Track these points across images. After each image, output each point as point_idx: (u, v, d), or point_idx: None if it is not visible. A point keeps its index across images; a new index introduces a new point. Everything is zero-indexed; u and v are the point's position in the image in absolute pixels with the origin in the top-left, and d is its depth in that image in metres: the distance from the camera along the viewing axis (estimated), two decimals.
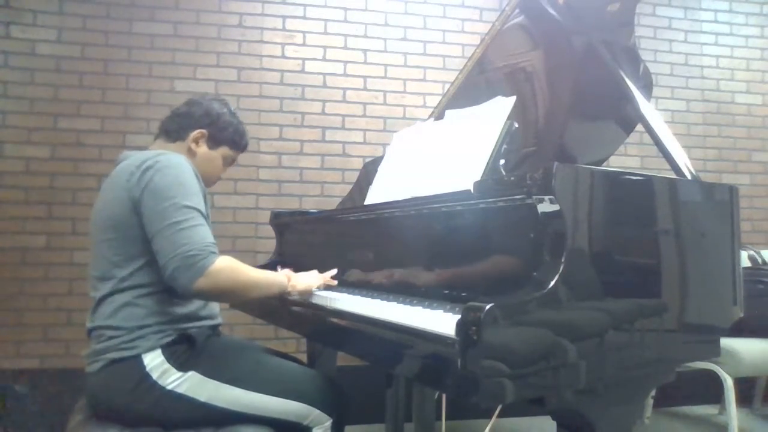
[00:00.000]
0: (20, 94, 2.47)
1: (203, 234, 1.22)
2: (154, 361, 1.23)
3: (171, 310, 1.29)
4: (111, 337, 1.24)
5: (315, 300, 1.43)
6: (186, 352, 1.27)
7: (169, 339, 1.26)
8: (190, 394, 1.23)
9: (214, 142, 1.47)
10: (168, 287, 1.23)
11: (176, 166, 1.28)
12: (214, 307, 1.44)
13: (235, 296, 1.36)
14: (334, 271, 1.57)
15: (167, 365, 1.23)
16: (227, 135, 1.48)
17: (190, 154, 1.44)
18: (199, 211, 1.24)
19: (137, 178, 1.26)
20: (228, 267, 1.22)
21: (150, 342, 1.24)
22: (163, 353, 1.24)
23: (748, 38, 3.23)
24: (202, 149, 1.46)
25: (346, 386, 1.43)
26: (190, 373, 1.24)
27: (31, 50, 2.49)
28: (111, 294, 1.27)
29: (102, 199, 1.34)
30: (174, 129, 1.45)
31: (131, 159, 1.32)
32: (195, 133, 1.44)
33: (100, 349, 1.26)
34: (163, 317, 1.27)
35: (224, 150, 1.50)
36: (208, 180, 1.48)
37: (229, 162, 1.54)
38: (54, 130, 2.49)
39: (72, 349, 2.43)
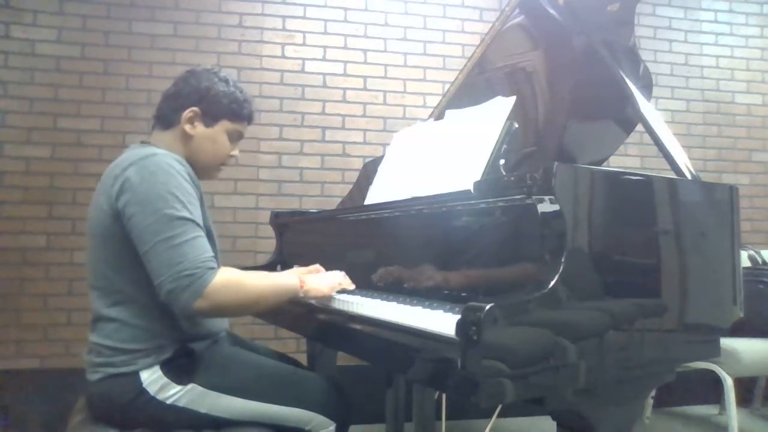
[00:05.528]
0: (20, 94, 2.47)
1: (199, 248, 1.12)
2: (151, 377, 1.18)
3: (171, 330, 1.22)
4: (110, 356, 1.20)
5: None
6: (185, 365, 1.22)
7: (168, 355, 1.21)
8: (191, 406, 1.20)
9: (210, 118, 1.32)
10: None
11: (163, 172, 1.16)
12: (223, 322, 1.39)
13: (240, 311, 1.29)
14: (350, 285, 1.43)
15: (165, 380, 1.18)
16: (223, 107, 1.32)
17: (186, 138, 1.31)
18: (192, 221, 1.14)
19: (119, 186, 1.16)
20: (229, 282, 1.13)
21: (149, 360, 1.19)
22: (162, 369, 1.19)
23: (748, 38, 3.22)
24: (199, 129, 1.31)
25: (347, 386, 1.43)
26: (190, 386, 1.20)
27: (31, 50, 2.49)
28: (108, 307, 1.20)
29: (92, 201, 1.25)
30: (165, 114, 1.32)
31: (119, 159, 1.23)
32: (186, 113, 1.29)
33: (98, 363, 1.21)
34: (164, 339, 1.21)
35: (225, 124, 1.34)
36: (215, 160, 1.36)
37: (236, 137, 1.38)
38: (54, 130, 2.49)
39: (72, 349, 2.43)
